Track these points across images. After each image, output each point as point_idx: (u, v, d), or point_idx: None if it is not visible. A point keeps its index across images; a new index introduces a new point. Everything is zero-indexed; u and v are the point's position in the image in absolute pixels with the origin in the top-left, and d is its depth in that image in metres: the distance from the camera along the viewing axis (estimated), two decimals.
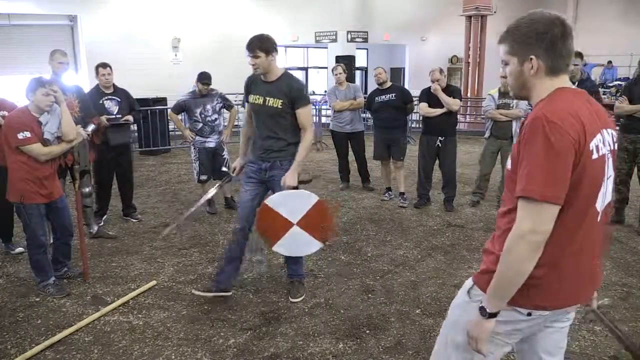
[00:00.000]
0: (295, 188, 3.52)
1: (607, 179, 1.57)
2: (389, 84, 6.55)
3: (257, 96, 3.54)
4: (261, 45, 3.37)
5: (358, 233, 5.32)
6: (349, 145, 7.09)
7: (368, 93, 7.20)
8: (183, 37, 14.26)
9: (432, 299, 3.78)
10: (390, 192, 6.71)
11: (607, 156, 1.55)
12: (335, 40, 15.35)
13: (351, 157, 7.19)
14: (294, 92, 3.50)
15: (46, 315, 3.53)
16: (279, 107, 3.49)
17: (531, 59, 1.54)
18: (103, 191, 5.48)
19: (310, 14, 15.43)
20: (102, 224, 5.40)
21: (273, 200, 3.44)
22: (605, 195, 1.58)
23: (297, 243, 3.48)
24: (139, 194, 6.63)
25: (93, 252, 4.68)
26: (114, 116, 5.31)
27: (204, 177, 5.94)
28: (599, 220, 1.59)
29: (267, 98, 3.50)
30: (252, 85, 3.61)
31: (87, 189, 4.96)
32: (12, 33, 12.98)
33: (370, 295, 3.85)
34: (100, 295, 3.83)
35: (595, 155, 1.49)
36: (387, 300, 3.75)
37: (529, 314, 1.59)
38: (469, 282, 1.73)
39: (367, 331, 3.31)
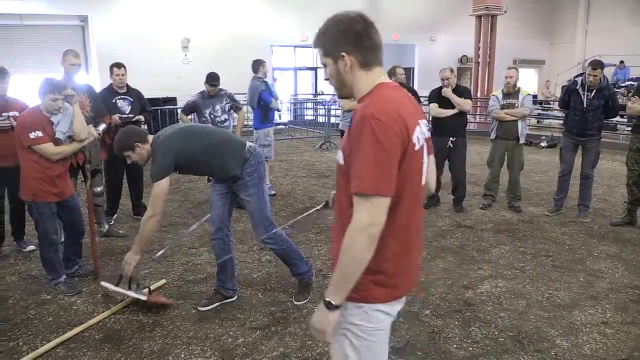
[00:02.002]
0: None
1: (425, 166, 1.70)
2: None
3: None
4: (123, 148, 3.31)
5: None
6: None
7: None
8: (193, 37, 14.33)
9: (442, 299, 3.77)
10: None
11: (423, 146, 1.66)
12: None
13: None
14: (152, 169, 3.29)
15: (57, 313, 3.56)
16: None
17: (343, 56, 1.61)
18: (113, 190, 5.51)
19: (319, 14, 15.18)
20: (112, 222, 5.44)
21: None
22: (424, 180, 1.71)
23: None
24: (148, 193, 6.64)
25: (103, 250, 4.71)
26: (126, 115, 5.34)
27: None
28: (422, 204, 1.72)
29: None
30: None
31: (98, 189, 4.99)
32: (24, 33, 13.11)
33: None
34: (111, 294, 3.85)
35: (417, 147, 1.59)
36: None
37: (394, 302, 1.68)
38: None
39: None
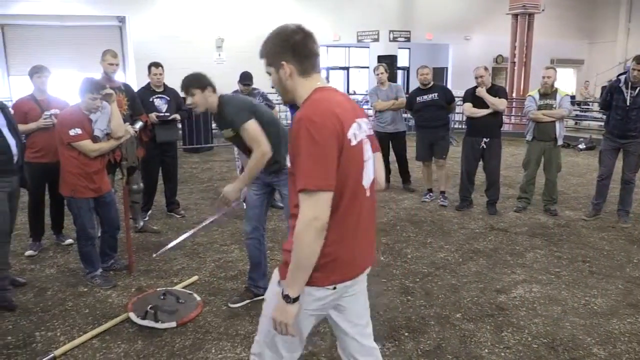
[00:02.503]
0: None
1: (367, 160, 1.81)
2: (431, 83, 6.47)
3: (223, 132, 3.47)
4: (192, 85, 3.32)
5: (398, 234, 5.27)
6: (390, 146, 7.04)
7: (409, 93, 7.13)
8: (227, 37, 14.51)
9: (473, 303, 3.71)
10: (431, 194, 6.63)
11: (363, 141, 1.79)
12: (377, 40, 15.27)
13: (392, 157, 7.13)
14: (227, 118, 3.31)
15: (93, 305, 3.65)
16: (233, 134, 3.34)
17: (283, 65, 1.77)
18: (148, 187, 5.62)
19: (352, 14, 15.40)
20: (147, 218, 5.55)
21: None
22: (369, 174, 1.83)
23: None
24: (182, 191, 6.78)
25: (138, 245, 4.82)
26: (162, 114, 5.45)
27: None
28: (368, 195, 1.84)
29: (223, 132, 3.45)
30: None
31: (136, 186, 5.10)
32: (65, 34, 13.55)
33: (409, 297, 3.81)
34: (145, 288, 3.94)
35: (353, 142, 1.72)
36: (426, 303, 3.70)
37: (334, 287, 1.78)
38: (276, 273, 1.87)
39: (406, 333, 3.27)
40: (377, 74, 6.92)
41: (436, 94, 6.31)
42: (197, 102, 3.33)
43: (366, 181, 1.82)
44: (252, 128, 3.21)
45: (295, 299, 1.69)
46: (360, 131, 1.77)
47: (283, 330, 1.74)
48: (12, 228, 3.87)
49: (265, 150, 3.20)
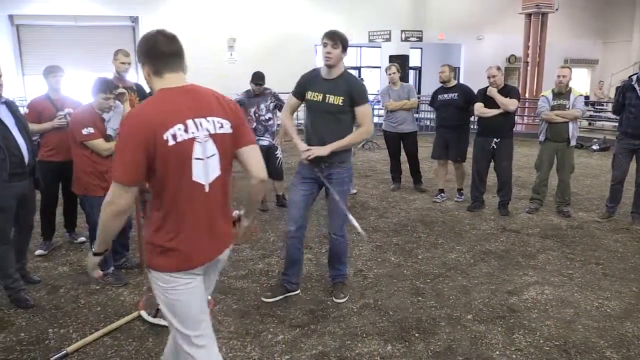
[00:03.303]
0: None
1: (202, 158, 1.95)
2: (453, 82, 6.42)
3: (316, 93, 3.51)
4: (342, 39, 3.43)
5: (409, 235, 5.25)
6: (402, 146, 7.01)
7: (421, 93, 7.12)
8: (238, 37, 14.55)
9: (485, 304, 3.68)
10: (442, 194, 6.59)
11: (199, 140, 1.93)
12: (389, 40, 15.22)
13: (403, 157, 7.11)
14: (354, 90, 3.49)
15: (105, 303, 3.69)
16: (340, 104, 3.47)
17: (143, 65, 1.98)
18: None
19: (364, 13, 15.37)
20: None
21: None
22: (207, 171, 1.97)
23: None
24: None
25: None
26: None
27: None
28: (208, 190, 1.98)
29: (328, 95, 3.48)
30: (311, 82, 3.57)
31: (147, 184, 5.13)
32: (78, 33, 13.68)
33: (420, 298, 3.79)
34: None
35: (171, 142, 1.86)
36: (437, 304, 3.68)
37: (175, 275, 1.98)
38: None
39: (417, 334, 3.26)
40: (389, 74, 6.90)
41: (456, 94, 6.25)
42: (336, 55, 3.43)
43: (202, 178, 1.96)
44: (369, 110, 3.69)
45: (95, 254, 2.05)
46: (191, 131, 1.91)
47: (91, 274, 2.15)
48: (27, 230, 3.91)
49: (370, 131, 3.65)
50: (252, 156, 2.13)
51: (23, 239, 3.92)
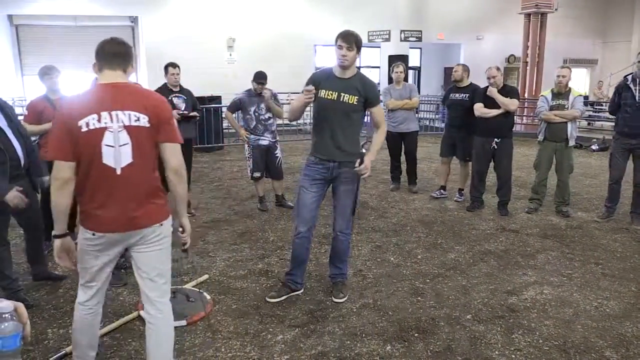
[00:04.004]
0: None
1: (114, 146, 2.28)
2: (466, 82, 6.40)
3: (331, 92, 3.50)
4: (357, 40, 3.44)
5: (408, 235, 5.25)
6: (402, 146, 7.01)
7: (420, 93, 7.15)
8: (238, 37, 14.55)
9: (484, 304, 3.68)
10: (443, 191, 6.62)
11: (111, 129, 2.27)
12: (388, 40, 15.21)
13: (403, 157, 7.11)
14: (368, 90, 3.54)
15: (104, 303, 3.67)
16: (354, 103, 3.50)
17: (94, 62, 2.44)
18: (164, 185, 5.67)
19: (364, 13, 15.36)
20: None
21: None
22: (119, 157, 2.30)
23: None
24: (192, 190, 6.80)
25: None
26: (182, 111, 5.51)
27: (257, 174, 6.02)
28: (119, 173, 2.31)
29: (343, 94, 3.49)
30: (324, 80, 3.56)
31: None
32: (77, 34, 13.67)
33: (419, 298, 3.79)
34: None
35: (84, 129, 2.24)
36: (436, 304, 3.68)
37: (94, 234, 2.37)
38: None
39: (416, 334, 3.26)
40: (396, 72, 6.88)
41: (466, 95, 6.22)
42: (351, 57, 3.47)
43: (114, 162, 2.30)
44: (382, 110, 3.85)
45: (55, 236, 2.39)
46: (104, 121, 2.26)
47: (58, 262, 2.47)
48: (34, 229, 3.95)
49: (385, 129, 3.79)
50: (170, 151, 2.43)
51: (33, 239, 3.94)
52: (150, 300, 2.53)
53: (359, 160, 3.44)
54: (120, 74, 2.37)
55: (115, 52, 2.36)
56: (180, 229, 2.60)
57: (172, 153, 2.43)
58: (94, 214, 2.35)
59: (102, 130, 2.26)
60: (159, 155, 2.45)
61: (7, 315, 1.10)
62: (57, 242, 2.38)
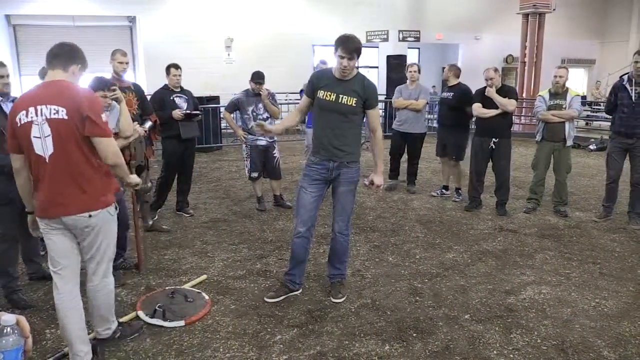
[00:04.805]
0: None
1: (40, 137, 2.55)
2: (453, 82, 6.47)
3: (329, 93, 3.50)
4: (357, 49, 3.42)
5: (406, 235, 5.26)
6: (405, 146, 7.00)
7: None
8: (236, 37, 14.53)
9: (482, 304, 3.69)
10: (445, 191, 6.65)
11: (36, 122, 2.54)
12: (386, 40, 15.22)
13: (403, 158, 7.12)
14: (369, 93, 3.54)
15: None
16: (353, 105, 3.49)
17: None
18: (166, 185, 5.68)
19: (362, 13, 15.37)
20: (156, 217, 5.58)
21: None
22: (44, 147, 2.56)
23: None
24: (191, 190, 6.79)
25: (147, 244, 4.84)
26: (185, 110, 5.52)
27: (254, 174, 6.02)
28: (48, 162, 2.58)
29: (341, 95, 3.49)
30: (323, 81, 3.56)
31: (147, 185, 5.13)
32: (76, 34, 13.61)
33: (417, 297, 3.80)
34: (154, 287, 3.96)
35: (19, 124, 2.56)
36: (435, 304, 3.69)
37: (39, 217, 2.72)
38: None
39: (414, 334, 3.26)
40: (410, 72, 6.88)
41: (451, 94, 6.32)
42: (351, 67, 3.47)
43: (42, 152, 2.56)
44: (378, 113, 3.77)
45: (28, 212, 2.84)
46: (30, 116, 2.53)
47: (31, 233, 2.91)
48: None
49: (381, 137, 3.79)
50: (98, 145, 2.62)
51: (30, 236, 3.92)
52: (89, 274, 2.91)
53: (370, 180, 3.67)
54: (59, 72, 2.64)
55: (55, 54, 2.64)
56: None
57: (101, 147, 2.63)
58: (35, 198, 2.69)
59: (29, 124, 2.55)
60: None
61: (9, 329, 1.09)
62: (29, 217, 2.83)
